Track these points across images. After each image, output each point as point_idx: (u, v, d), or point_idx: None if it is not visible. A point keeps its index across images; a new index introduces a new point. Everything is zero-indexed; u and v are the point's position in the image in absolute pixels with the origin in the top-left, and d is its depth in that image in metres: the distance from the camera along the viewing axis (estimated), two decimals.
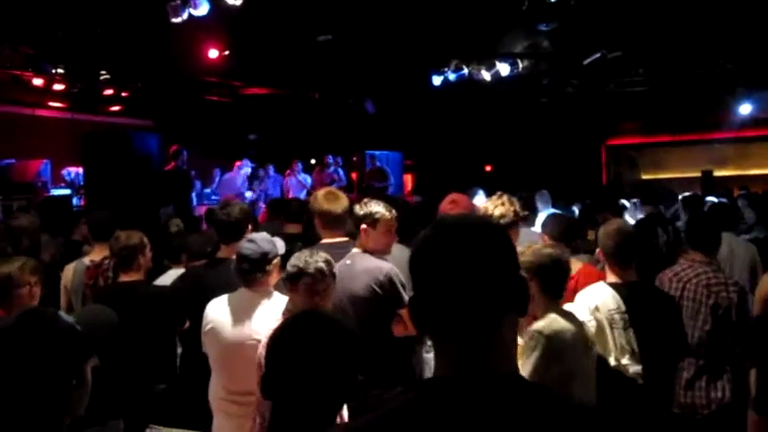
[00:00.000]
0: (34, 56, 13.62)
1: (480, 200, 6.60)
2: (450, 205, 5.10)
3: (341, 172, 16.36)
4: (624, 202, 10.01)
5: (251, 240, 4.17)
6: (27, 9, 11.45)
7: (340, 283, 3.92)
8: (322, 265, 3.64)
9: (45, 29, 12.73)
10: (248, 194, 14.84)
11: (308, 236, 5.73)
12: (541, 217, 6.64)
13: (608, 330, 3.89)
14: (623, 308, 3.94)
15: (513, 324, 1.56)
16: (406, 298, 4.21)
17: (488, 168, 20.03)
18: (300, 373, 2.15)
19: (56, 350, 2.11)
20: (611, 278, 4.16)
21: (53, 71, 14.09)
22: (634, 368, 3.85)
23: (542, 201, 9.07)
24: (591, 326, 3.83)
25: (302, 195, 14.55)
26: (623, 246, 4.13)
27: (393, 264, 4.39)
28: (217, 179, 15.48)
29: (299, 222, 6.55)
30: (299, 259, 3.68)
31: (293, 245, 4.90)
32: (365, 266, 4.36)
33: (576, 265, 4.77)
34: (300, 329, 2.23)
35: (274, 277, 4.18)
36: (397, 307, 4.25)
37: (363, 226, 4.44)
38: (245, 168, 15.24)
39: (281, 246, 4.27)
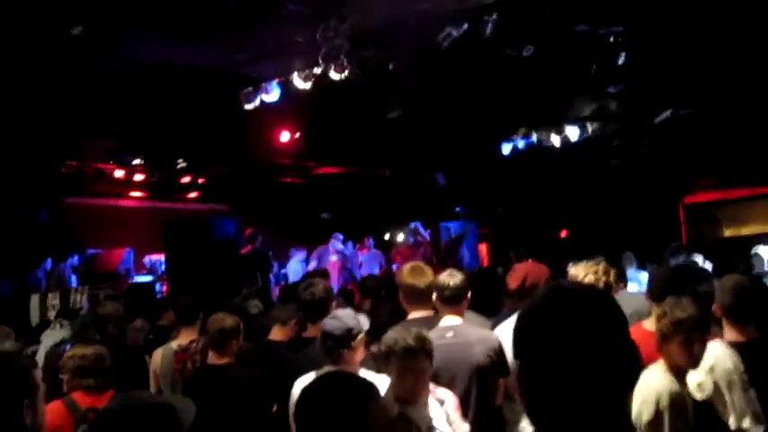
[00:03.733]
0: (115, 148, 14.17)
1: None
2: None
3: (421, 230, 16.25)
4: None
5: (334, 317, 4.18)
6: (107, 104, 11.96)
7: (457, 356, 3.89)
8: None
9: (124, 122, 13.26)
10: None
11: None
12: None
13: (725, 391, 3.71)
14: (742, 368, 3.74)
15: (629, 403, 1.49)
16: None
17: (564, 234, 19.77)
18: None
19: None
20: (730, 336, 3.98)
21: (133, 162, 14.61)
22: (756, 431, 3.66)
23: (628, 263, 8.88)
24: (707, 387, 3.66)
25: (376, 271, 14.58)
26: (742, 302, 3.95)
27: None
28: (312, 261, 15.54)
29: (376, 298, 6.56)
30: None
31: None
32: (478, 335, 4.35)
33: None
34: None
35: (360, 354, 4.17)
36: (504, 375, 4.22)
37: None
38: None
39: (365, 322, 4.26)
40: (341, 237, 14.83)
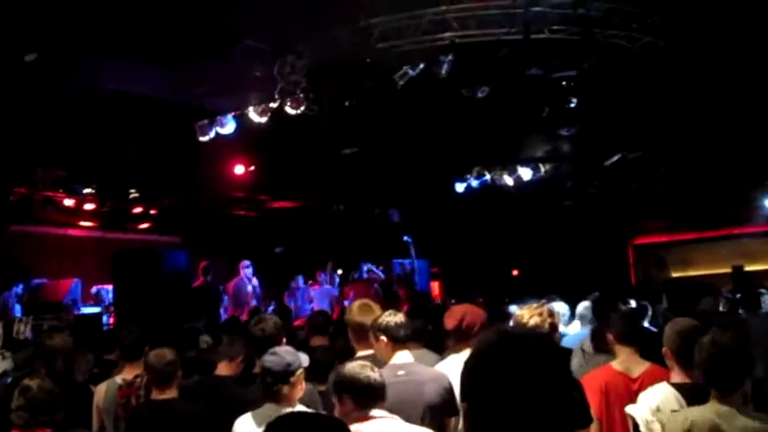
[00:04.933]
0: (66, 177, 13.97)
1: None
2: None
3: (375, 269, 16.22)
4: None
5: (273, 353, 4.17)
6: (59, 132, 11.82)
7: (409, 395, 3.89)
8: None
9: (77, 151, 13.10)
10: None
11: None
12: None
13: None
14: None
15: None
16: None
17: (515, 273, 19.93)
18: None
19: None
20: (676, 378, 4.02)
21: (84, 191, 14.40)
22: None
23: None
24: (655, 427, 3.70)
25: (326, 306, 14.49)
26: (689, 345, 3.98)
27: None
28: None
29: (326, 335, 6.53)
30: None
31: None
32: (429, 374, 4.37)
33: (642, 365, 4.67)
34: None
35: (299, 390, 4.15)
36: (452, 415, 4.21)
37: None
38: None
39: (304, 359, 4.25)
40: (247, 263, 14.65)
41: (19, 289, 13.13)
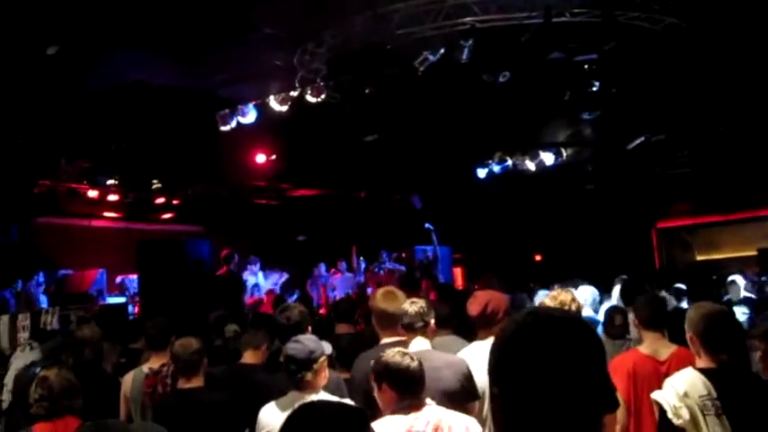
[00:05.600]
0: (90, 169, 14.08)
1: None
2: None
3: (396, 265, 16.23)
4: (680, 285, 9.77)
5: (296, 341, 4.19)
6: (82, 124, 11.90)
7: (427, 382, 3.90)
8: None
9: (99, 143, 13.20)
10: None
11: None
12: None
13: (700, 417, 3.72)
14: (714, 394, 3.76)
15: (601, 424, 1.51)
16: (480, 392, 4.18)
17: (538, 258, 19.87)
18: None
19: None
20: (702, 363, 3.99)
21: (107, 183, 14.52)
22: None
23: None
24: (683, 413, 3.67)
25: (349, 293, 14.53)
26: (714, 329, 3.96)
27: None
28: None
29: (350, 322, 6.54)
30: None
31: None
32: (445, 360, 4.33)
33: (669, 348, 4.64)
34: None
35: (323, 377, 4.17)
36: (472, 400, 4.20)
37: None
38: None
39: (327, 347, 4.26)
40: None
41: (41, 278, 13.21)
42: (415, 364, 3.63)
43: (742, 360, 4.32)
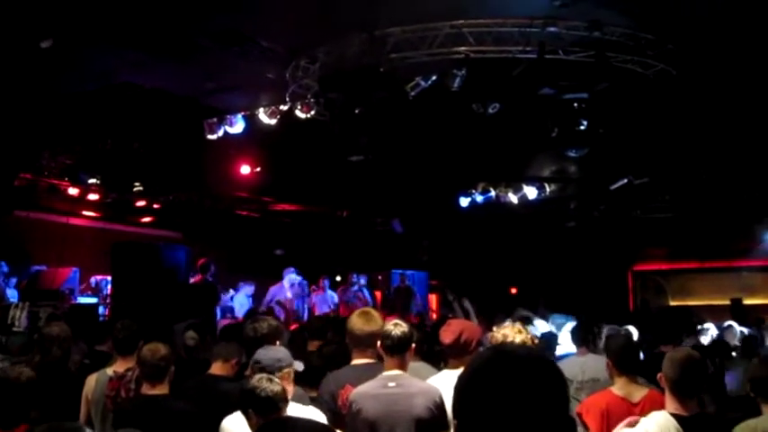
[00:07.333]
0: (72, 166, 13.97)
1: None
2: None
3: (365, 291, 16.18)
4: None
5: (266, 348, 4.24)
6: (68, 121, 11.83)
7: (398, 407, 3.87)
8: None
9: (85, 141, 13.12)
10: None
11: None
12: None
13: None
14: None
15: None
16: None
17: (514, 291, 19.90)
18: None
19: None
20: (671, 408, 3.98)
21: (89, 181, 14.41)
22: None
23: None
24: None
25: (326, 311, 14.44)
26: (688, 376, 3.95)
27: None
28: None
29: (323, 339, 6.52)
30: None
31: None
32: (419, 387, 4.32)
33: (642, 391, 4.68)
34: None
35: (288, 389, 4.15)
36: (441, 430, 4.17)
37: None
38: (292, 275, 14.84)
39: (298, 364, 4.27)
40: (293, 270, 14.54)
41: (3, 267, 12.95)
42: (275, 387, 3.76)
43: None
